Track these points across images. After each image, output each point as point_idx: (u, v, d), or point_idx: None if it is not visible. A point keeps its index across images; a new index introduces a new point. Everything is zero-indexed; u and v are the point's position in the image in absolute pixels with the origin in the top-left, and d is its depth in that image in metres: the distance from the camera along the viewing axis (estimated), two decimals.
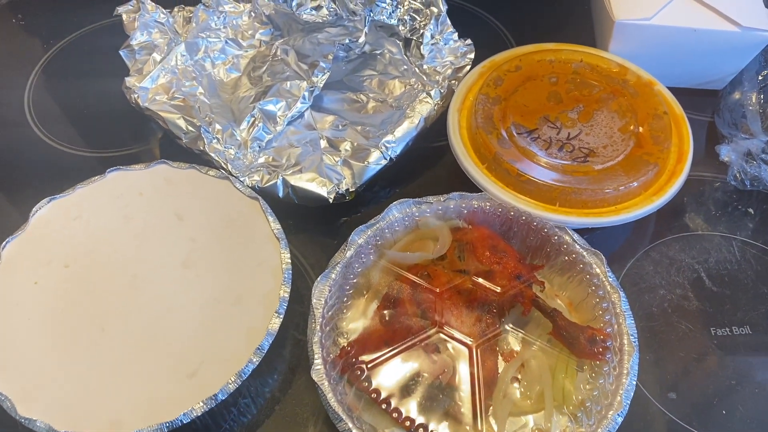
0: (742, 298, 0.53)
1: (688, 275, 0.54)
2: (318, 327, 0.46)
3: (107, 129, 0.64)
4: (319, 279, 0.48)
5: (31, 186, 0.59)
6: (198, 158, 0.56)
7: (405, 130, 0.57)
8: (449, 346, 0.45)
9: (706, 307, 0.52)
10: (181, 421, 0.42)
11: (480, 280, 0.47)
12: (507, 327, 0.46)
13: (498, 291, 0.47)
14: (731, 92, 0.62)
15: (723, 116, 0.60)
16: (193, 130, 0.56)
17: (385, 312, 0.47)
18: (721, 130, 0.60)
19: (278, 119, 0.59)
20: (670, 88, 0.59)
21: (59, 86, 0.69)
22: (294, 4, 0.65)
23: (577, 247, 0.49)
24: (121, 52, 0.59)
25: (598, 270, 0.48)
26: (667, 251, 0.55)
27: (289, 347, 0.51)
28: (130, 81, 0.58)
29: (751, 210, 0.58)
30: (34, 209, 0.52)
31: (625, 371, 0.44)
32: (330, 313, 0.47)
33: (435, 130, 0.59)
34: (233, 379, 0.44)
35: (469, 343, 0.45)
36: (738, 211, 0.58)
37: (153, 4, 0.61)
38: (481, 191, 0.53)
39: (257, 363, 0.45)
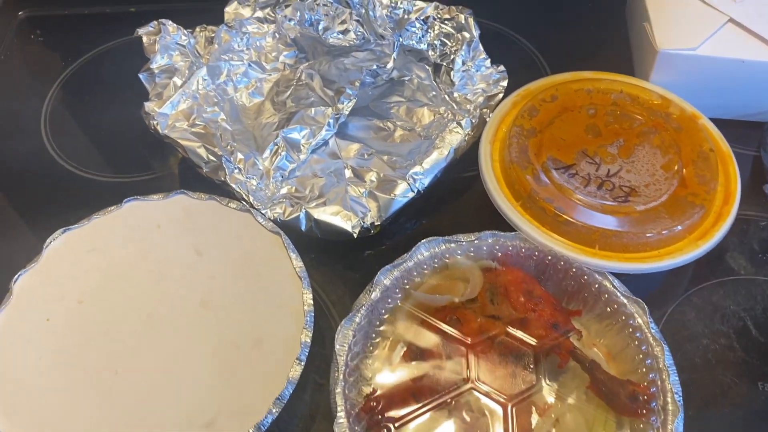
0: None
1: (734, 323, 0.51)
2: (341, 376, 0.43)
3: (125, 152, 0.62)
4: (342, 323, 0.45)
5: (46, 213, 0.58)
6: (218, 188, 0.54)
7: (434, 161, 0.54)
8: (482, 403, 0.42)
9: (753, 359, 0.49)
10: None
11: (515, 331, 0.45)
12: (543, 384, 0.43)
13: (533, 344, 0.44)
14: None
15: None
16: (214, 159, 0.53)
17: (413, 363, 0.44)
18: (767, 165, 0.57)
19: (302, 147, 0.56)
20: (714, 120, 0.56)
21: (77, 106, 0.67)
22: (320, 27, 0.63)
23: (618, 295, 0.46)
24: (140, 76, 0.57)
25: (640, 320, 0.45)
26: (711, 297, 0.52)
27: (310, 392, 0.49)
28: (149, 106, 0.55)
29: None
30: (47, 241, 0.50)
31: None
32: (354, 361, 0.45)
33: (465, 160, 0.57)
34: None
35: (503, 400, 0.42)
36: None
37: (174, 25, 0.59)
38: (515, 230, 0.50)
39: (277, 414, 0.43)
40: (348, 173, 0.55)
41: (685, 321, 0.51)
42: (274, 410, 0.42)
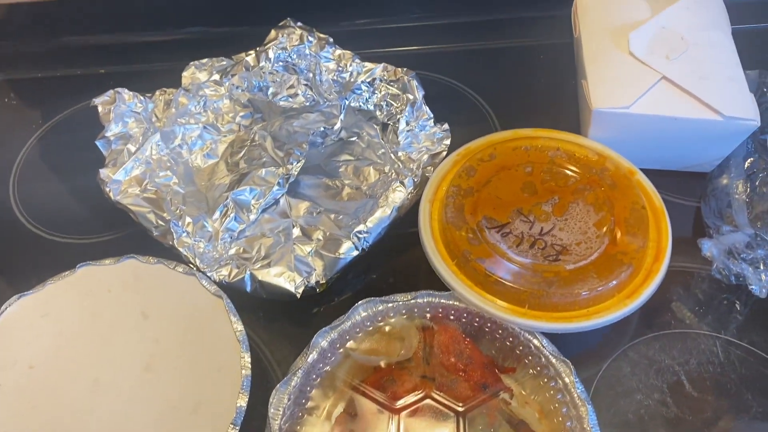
0: (724, 405, 0.50)
1: (668, 378, 0.52)
2: None
3: (87, 214, 0.65)
4: (278, 387, 0.47)
5: (5, 276, 0.60)
6: (169, 251, 0.56)
7: (377, 219, 0.56)
8: None
9: (686, 414, 0.50)
10: None
11: (440, 396, 0.46)
12: None
13: (459, 408, 0.45)
14: (719, 176, 0.60)
15: (709, 203, 0.58)
16: (163, 224, 0.56)
17: (346, 426, 0.46)
18: (706, 220, 0.58)
19: (252, 208, 0.58)
20: (656, 171, 0.57)
21: (45, 168, 0.69)
22: (269, 92, 0.65)
23: (546, 354, 0.48)
24: (97, 143, 0.60)
25: (566, 380, 0.47)
26: (647, 351, 0.53)
27: None
28: (104, 173, 0.58)
29: (738, 305, 0.55)
30: (2, 306, 0.53)
31: None
32: (288, 423, 0.46)
33: (408, 217, 0.58)
34: None
35: None
36: (723, 306, 0.55)
37: (130, 93, 0.62)
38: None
39: None
40: (296, 232, 0.57)
41: (620, 376, 0.52)
42: None
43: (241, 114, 0.66)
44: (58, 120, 0.74)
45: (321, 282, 0.55)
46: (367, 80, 0.63)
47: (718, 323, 0.54)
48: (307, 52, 0.64)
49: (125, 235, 0.63)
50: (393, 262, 0.60)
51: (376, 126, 0.64)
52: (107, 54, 0.79)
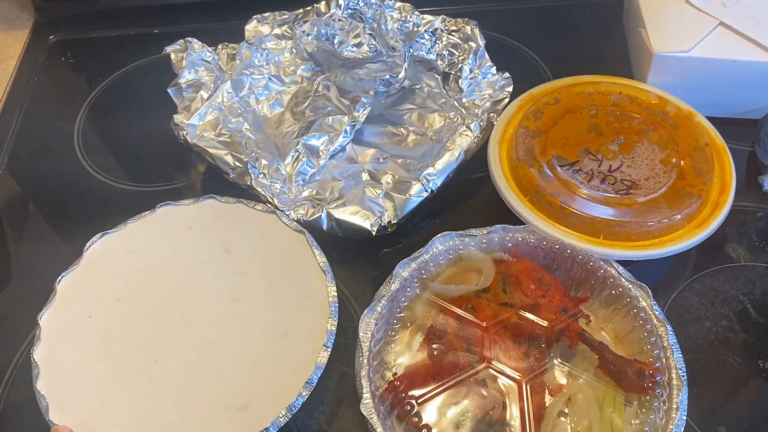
0: None
1: (734, 307, 0.54)
2: (365, 361, 0.46)
3: (153, 163, 0.66)
4: (365, 312, 0.49)
5: (83, 220, 0.61)
6: (244, 193, 0.58)
7: (445, 162, 0.58)
8: (498, 381, 0.45)
9: (753, 339, 0.52)
10: None
11: (526, 314, 0.48)
12: (555, 362, 0.46)
13: (545, 325, 0.47)
14: None
15: (764, 145, 0.60)
16: (240, 165, 0.57)
17: (433, 346, 0.47)
18: (762, 159, 0.60)
19: (321, 153, 0.60)
20: (710, 118, 0.59)
21: (106, 123, 0.71)
22: (336, 41, 0.67)
23: (623, 280, 0.50)
24: (168, 90, 0.61)
25: (644, 303, 0.49)
26: (711, 282, 0.55)
27: (335, 379, 0.52)
28: (178, 118, 0.59)
29: None
30: (87, 244, 0.54)
31: (674, 406, 0.44)
32: (377, 346, 0.48)
33: (474, 162, 0.60)
34: (284, 413, 0.45)
35: (518, 378, 0.45)
36: None
37: (200, 43, 0.63)
38: (524, 224, 0.53)
39: (307, 397, 0.46)
40: (365, 176, 0.59)
41: (688, 306, 0.54)
42: (304, 393, 0.45)
43: (302, 67, 0.68)
44: (113, 79, 0.75)
45: (392, 222, 0.56)
46: (430, 30, 0.65)
47: None
48: (373, 0, 0.66)
49: (193, 183, 0.64)
50: (458, 205, 0.62)
51: (436, 76, 0.66)
52: (157, 15, 0.80)
